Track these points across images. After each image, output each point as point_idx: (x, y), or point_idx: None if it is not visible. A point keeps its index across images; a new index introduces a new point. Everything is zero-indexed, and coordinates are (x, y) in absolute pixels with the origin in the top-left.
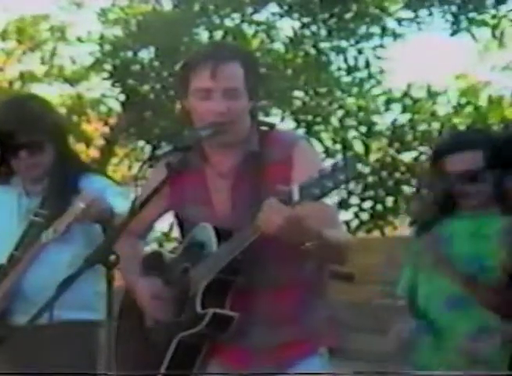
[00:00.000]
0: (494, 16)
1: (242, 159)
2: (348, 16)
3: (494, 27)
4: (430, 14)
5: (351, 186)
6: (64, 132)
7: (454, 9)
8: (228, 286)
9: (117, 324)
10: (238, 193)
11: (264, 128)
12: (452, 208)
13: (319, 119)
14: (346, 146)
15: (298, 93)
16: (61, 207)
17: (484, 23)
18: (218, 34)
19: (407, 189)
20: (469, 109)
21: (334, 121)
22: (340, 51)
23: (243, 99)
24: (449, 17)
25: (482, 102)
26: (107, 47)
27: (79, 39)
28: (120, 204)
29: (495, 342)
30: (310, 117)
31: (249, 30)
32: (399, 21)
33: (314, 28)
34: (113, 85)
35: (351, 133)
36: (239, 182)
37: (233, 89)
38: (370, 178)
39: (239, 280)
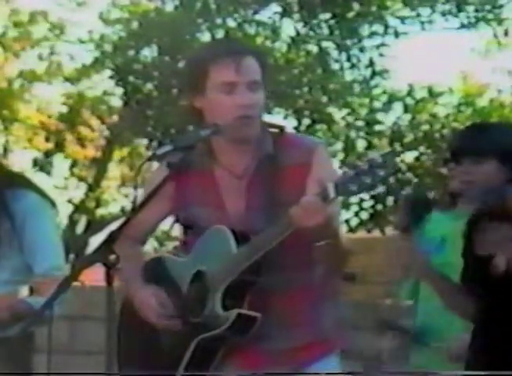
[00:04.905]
0: (497, 13)
1: (257, 160)
2: (351, 14)
3: (498, 26)
4: (433, 12)
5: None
6: None
7: (455, 9)
8: (247, 287)
9: (118, 325)
10: (253, 195)
11: (274, 129)
12: (450, 204)
13: (321, 117)
14: (348, 144)
15: (301, 92)
16: None
17: (486, 23)
18: (220, 34)
19: (407, 189)
20: (470, 110)
21: (336, 119)
22: (343, 49)
23: (262, 93)
24: (451, 17)
25: (483, 103)
26: (109, 46)
27: (80, 40)
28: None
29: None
30: (312, 116)
31: (251, 29)
32: (402, 20)
33: (316, 27)
34: (117, 84)
35: (353, 132)
36: (254, 183)
37: (255, 82)
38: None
39: (259, 281)
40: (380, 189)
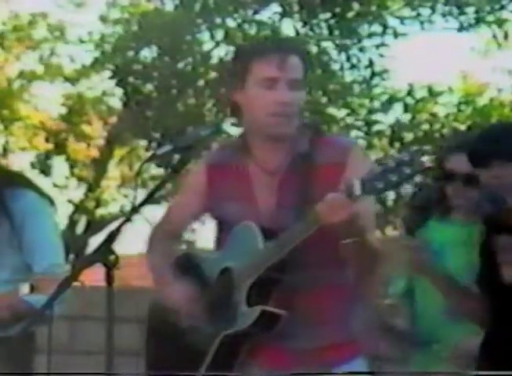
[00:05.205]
0: (497, 15)
1: (291, 157)
2: (350, 14)
3: (498, 27)
4: (433, 13)
5: None
6: None
7: (455, 9)
8: (273, 284)
9: (147, 325)
10: (285, 192)
11: (312, 129)
12: (446, 212)
13: (321, 117)
14: None
15: None
16: None
17: (486, 23)
18: (220, 34)
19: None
20: (470, 109)
21: (336, 119)
22: (343, 50)
23: (302, 91)
24: (451, 17)
25: (483, 102)
26: (109, 46)
27: (80, 40)
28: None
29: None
30: (312, 116)
31: (250, 29)
32: (401, 19)
33: (316, 27)
34: (117, 85)
35: (353, 132)
36: (286, 180)
37: (296, 80)
38: None
39: (285, 279)
40: (407, 187)
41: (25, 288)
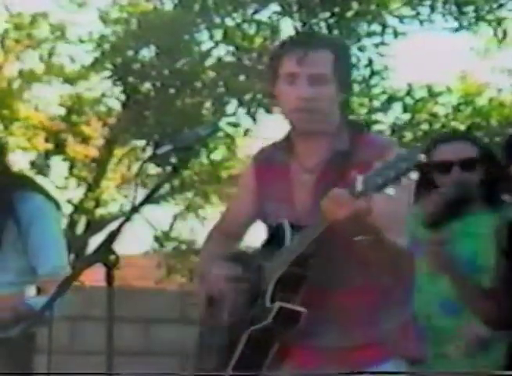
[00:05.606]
0: (496, 14)
1: (330, 155)
2: (349, 14)
3: (497, 25)
4: (432, 12)
5: None
6: None
7: (454, 8)
8: (299, 281)
9: (208, 327)
10: (321, 190)
11: (354, 127)
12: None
13: None
14: None
15: None
16: None
17: (485, 22)
18: (219, 34)
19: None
20: (469, 109)
21: None
22: None
23: (330, 87)
24: (450, 17)
25: (483, 102)
26: (108, 46)
27: (80, 40)
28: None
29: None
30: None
31: (250, 29)
32: (401, 19)
33: (315, 27)
34: (114, 84)
35: None
36: (324, 178)
37: (319, 75)
38: None
39: (310, 276)
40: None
41: (31, 291)
